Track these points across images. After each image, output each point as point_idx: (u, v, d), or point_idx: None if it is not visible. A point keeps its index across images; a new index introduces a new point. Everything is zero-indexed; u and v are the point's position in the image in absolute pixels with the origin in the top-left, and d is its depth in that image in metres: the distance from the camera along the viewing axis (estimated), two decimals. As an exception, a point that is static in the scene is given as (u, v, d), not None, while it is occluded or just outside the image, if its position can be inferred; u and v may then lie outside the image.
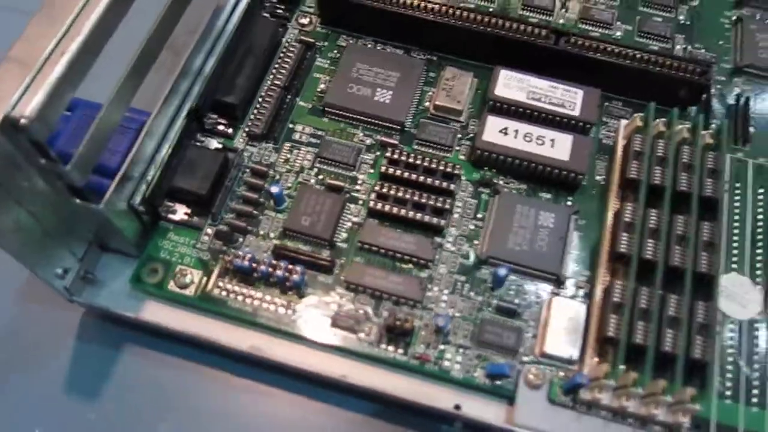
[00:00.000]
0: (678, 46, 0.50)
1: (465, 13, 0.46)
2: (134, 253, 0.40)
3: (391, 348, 0.38)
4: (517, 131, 0.43)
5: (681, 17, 0.51)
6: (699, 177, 0.41)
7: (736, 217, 0.43)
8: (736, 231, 0.42)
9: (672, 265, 0.38)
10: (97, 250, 0.40)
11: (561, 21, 0.51)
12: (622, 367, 0.37)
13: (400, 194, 0.41)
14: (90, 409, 0.39)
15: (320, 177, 0.43)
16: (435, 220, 0.41)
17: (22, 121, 0.30)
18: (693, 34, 0.50)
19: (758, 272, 0.41)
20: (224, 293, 0.39)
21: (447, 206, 0.41)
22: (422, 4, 0.46)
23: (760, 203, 0.43)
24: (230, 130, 0.44)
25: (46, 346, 0.41)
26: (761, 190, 0.44)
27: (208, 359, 0.41)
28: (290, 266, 0.39)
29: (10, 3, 0.49)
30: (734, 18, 0.51)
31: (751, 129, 0.46)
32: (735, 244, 0.42)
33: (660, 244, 0.39)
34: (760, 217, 0.43)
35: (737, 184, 0.44)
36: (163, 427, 0.39)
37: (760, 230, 0.42)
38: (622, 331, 0.37)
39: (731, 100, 0.47)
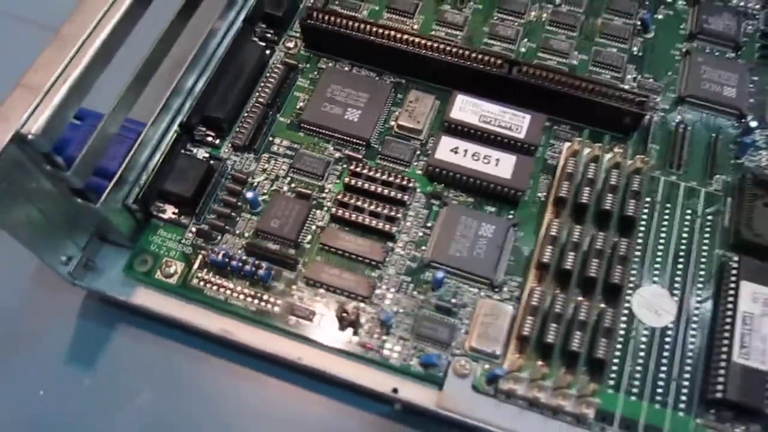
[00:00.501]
0: (629, 76, 0.54)
1: (429, 43, 0.51)
2: (129, 245, 0.47)
3: (340, 336, 0.44)
4: (466, 151, 0.49)
5: (635, 48, 0.56)
6: (622, 197, 0.46)
7: (663, 235, 0.48)
8: (661, 247, 0.47)
9: (588, 275, 0.44)
10: (98, 241, 0.47)
11: (523, 50, 0.56)
12: (539, 362, 0.43)
13: (359, 203, 0.47)
14: (86, 376, 0.46)
15: (292, 185, 0.50)
16: (388, 227, 0.47)
17: (30, 136, 0.36)
18: (644, 64, 0.55)
19: (677, 285, 0.46)
20: (202, 283, 0.46)
21: (400, 215, 0.47)
22: (392, 34, 0.52)
23: (686, 223, 0.48)
24: (217, 141, 0.51)
25: (51, 324, 0.48)
26: (689, 212, 0.48)
27: (188, 340, 0.47)
28: (258, 262, 0.45)
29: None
30: (684, 50, 0.56)
31: (686, 154, 0.51)
32: (658, 259, 0.47)
33: (579, 256, 0.44)
34: (685, 236, 0.48)
35: (668, 205, 0.49)
36: (147, 394, 0.46)
37: (683, 248, 0.47)
38: (536, 330, 0.42)
39: (672, 127, 0.52)
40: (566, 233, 0.45)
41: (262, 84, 0.53)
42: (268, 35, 0.56)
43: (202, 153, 0.50)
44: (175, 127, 0.49)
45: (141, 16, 0.44)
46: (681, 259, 0.47)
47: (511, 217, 0.48)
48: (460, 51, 0.51)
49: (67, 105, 0.38)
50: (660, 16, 0.58)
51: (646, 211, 0.48)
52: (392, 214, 0.47)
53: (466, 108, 0.50)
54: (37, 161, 0.39)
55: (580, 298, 0.44)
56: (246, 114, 0.52)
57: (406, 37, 0.52)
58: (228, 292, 0.45)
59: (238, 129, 0.51)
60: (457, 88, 0.51)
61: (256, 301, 0.45)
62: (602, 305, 0.44)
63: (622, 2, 0.58)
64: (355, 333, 0.44)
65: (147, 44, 0.44)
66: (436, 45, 0.51)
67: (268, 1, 0.55)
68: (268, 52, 0.55)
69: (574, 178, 0.47)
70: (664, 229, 0.48)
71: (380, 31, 0.52)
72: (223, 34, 0.52)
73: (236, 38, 0.53)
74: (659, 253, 0.47)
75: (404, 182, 0.48)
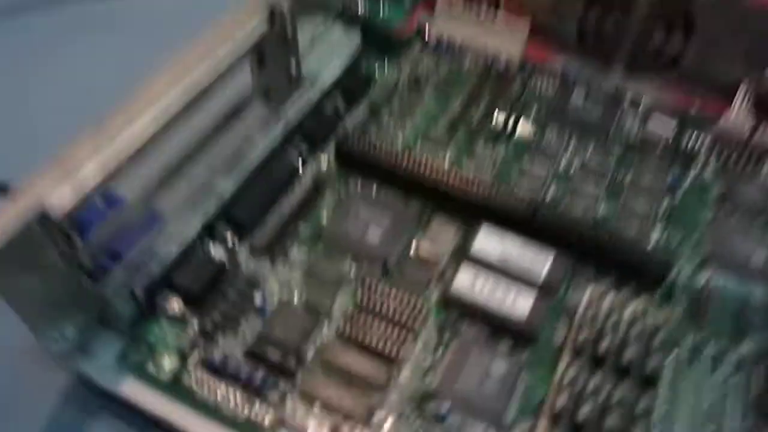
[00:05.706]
0: (654, 235, 0.54)
1: (457, 179, 0.52)
2: (127, 333, 0.46)
3: (330, 460, 0.41)
4: (484, 284, 0.48)
5: (661, 209, 0.56)
6: (644, 352, 0.44)
7: (686, 396, 0.45)
8: (684, 408, 0.44)
9: (605, 429, 0.41)
10: (95, 324, 0.46)
11: (550, 193, 0.56)
12: None
13: (368, 323, 0.46)
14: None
15: (303, 296, 0.48)
16: (395, 351, 0.45)
17: (54, 215, 0.36)
18: (671, 224, 0.55)
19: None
20: (194, 383, 0.44)
21: (409, 341, 0.45)
22: (421, 169, 0.53)
23: (710, 387, 0.45)
24: (236, 242, 0.51)
25: (32, 402, 0.46)
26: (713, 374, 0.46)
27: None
28: (256, 369, 0.43)
29: None
30: (712, 215, 0.56)
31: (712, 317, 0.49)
32: (680, 421, 0.44)
33: (595, 408, 0.41)
34: (709, 400, 0.45)
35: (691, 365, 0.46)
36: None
37: (707, 412, 0.44)
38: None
39: (698, 288, 0.51)
40: (582, 382, 0.43)
41: (290, 195, 0.54)
42: (303, 149, 0.57)
43: (218, 251, 0.50)
44: (198, 224, 0.49)
45: (188, 119, 0.45)
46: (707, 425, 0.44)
47: (525, 357, 0.46)
48: (486, 191, 0.52)
49: (97, 189, 0.39)
50: (687, 182, 0.58)
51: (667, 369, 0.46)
52: (401, 338, 0.45)
53: (490, 241, 0.50)
54: (54, 239, 0.38)
55: (591, 454, 0.40)
56: (269, 220, 0.52)
57: (435, 171, 0.53)
58: (220, 396, 0.43)
59: (258, 233, 0.51)
60: (479, 219, 0.51)
61: (246, 410, 0.43)
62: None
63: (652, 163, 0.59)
64: (346, 459, 0.41)
65: (184, 140, 0.46)
66: (463, 180, 0.52)
67: (309, 118, 0.58)
68: (300, 165, 0.56)
69: (593, 325, 0.45)
70: (687, 389, 0.45)
71: (410, 164, 0.53)
72: (261, 143, 0.54)
73: (273, 149, 0.54)
74: (680, 414, 0.44)
75: (417, 308, 0.47)
